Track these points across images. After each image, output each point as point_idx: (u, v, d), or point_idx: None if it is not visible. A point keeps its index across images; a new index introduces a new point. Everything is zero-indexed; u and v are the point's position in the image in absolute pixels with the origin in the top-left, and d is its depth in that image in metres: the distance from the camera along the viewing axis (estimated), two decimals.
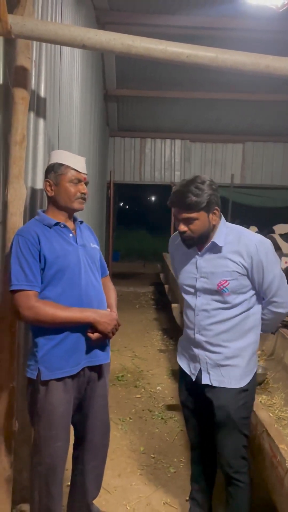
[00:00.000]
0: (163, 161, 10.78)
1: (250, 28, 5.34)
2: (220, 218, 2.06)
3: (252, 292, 2.05)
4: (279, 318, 2.18)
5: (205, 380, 2.07)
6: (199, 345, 2.09)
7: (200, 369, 2.09)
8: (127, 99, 8.84)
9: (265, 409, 2.43)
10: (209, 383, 2.05)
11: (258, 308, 2.10)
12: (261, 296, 2.10)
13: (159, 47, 1.99)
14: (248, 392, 2.06)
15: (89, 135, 5.48)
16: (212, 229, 2.03)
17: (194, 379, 2.12)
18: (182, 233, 2.01)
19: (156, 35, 5.47)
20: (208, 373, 2.06)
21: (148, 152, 10.79)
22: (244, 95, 8.14)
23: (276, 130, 10.24)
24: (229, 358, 2.04)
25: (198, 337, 2.08)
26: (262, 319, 2.13)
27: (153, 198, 28.09)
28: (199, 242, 2.04)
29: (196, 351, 2.10)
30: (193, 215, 1.96)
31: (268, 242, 2.04)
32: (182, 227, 1.99)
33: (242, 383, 2.04)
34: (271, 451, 1.91)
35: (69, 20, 3.49)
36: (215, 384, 2.04)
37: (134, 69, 7.22)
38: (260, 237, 2.06)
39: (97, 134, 6.68)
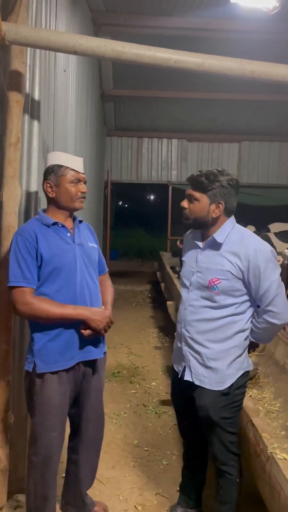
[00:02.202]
0: (160, 160, 10.87)
1: (243, 30, 5.42)
2: (225, 215, 2.07)
3: (245, 298, 2.04)
4: (274, 330, 2.12)
5: (187, 377, 2.10)
6: (184, 340, 2.13)
7: (185, 366, 2.13)
8: (124, 99, 8.92)
9: (251, 400, 2.51)
10: (191, 380, 2.09)
11: (247, 315, 2.07)
12: (256, 305, 2.07)
13: (147, 53, 2.06)
14: (229, 396, 2.04)
15: (86, 135, 5.55)
16: (210, 221, 2.05)
17: (179, 376, 2.17)
18: (183, 210, 2.09)
19: (152, 36, 5.63)
20: (191, 371, 2.09)
21: (145, 151, 10.87)
22: (241, 96, 8.23)
23: (272, 129, 10.33)
24: (209, 360, 2.04)
25: (184, 332, 2.13)
26: (257, 327, 2.09)
27: (151, 198, 28.16)
28: (194, 226, 2.11)
29: (182, 346, 2.15)
30: (196, 194, 2.03)
31: (269, 249, 2.02)
32: (184, 203, 2.08)
33: (222, 386, 2.03)
34: (254, 440, 1.99)
35: (63, 23, 3.56)
36: (196, 382, 2.07)
37: (131, 70, 7.29)
38: (262, 242, 2.05)
39: (93, 134, 6.75)
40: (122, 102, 9.16)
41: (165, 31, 5.68)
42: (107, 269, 2.39)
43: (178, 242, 7.04)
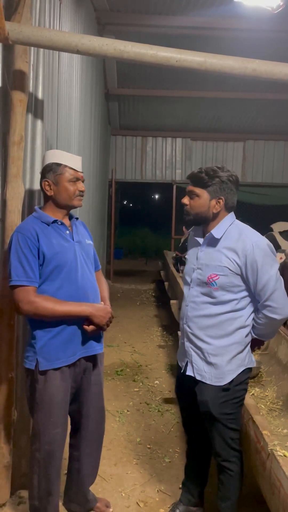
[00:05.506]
0: (165, 159, 10.85)
1: (246, 28, 5.42)
2: (225, 211, 2.09)
3: (244, 293, 2.05)
4: (275, 325, 2.11)
5: (189, 372, 2.13)
6: (186, 336, 2.16)
7: (187, 361, 2.16)
8: (129, 98, 8.92)
9: (253, 398, 2.52)
10: (192, 375, 2.12)
11: (248, 311, 2.08)
12: (256, 300, 2.07)
13: (149, 52, 2.07)
14: (230, 391, 2.06)
15: (90, 134, 5.57)
16: (210, 216, 2.08)
17: (182, 371, 2.20)
18: (184, 206, 2.12)
19: (156, 35, 5.64)
20: (192, 366, 2.12)
21: (149, 150, 10.86)
22: (245, 94, 8.21)
23: (277, 128, 10.29)
24: (210, 355, 2.07)
25: (186, 328, 2.16)
26: (257, 323, 2.10)
27: (156, 197, 28.15)
28: (195, 222, 2.13)
29: (184, 342, 2.18)
30: (196, 190, 2.06)
31: (266, 243, 2.03)
32: (185, 200, 2.11)
33: (223, 382, 2.05)
34: (255, 437, 2.00)
35: (67, 22, 3.57)
36: (197, 377, 2.10)
37: (135, 69, 7.29)
38: (259, 237, 2.05)
39: (98, 133, 6.77)
40: (127, 101, 9.16)
41: (170, 30, 5.67)
42: (100, 266, 2.41)
43: (184, 227, 6.74)
